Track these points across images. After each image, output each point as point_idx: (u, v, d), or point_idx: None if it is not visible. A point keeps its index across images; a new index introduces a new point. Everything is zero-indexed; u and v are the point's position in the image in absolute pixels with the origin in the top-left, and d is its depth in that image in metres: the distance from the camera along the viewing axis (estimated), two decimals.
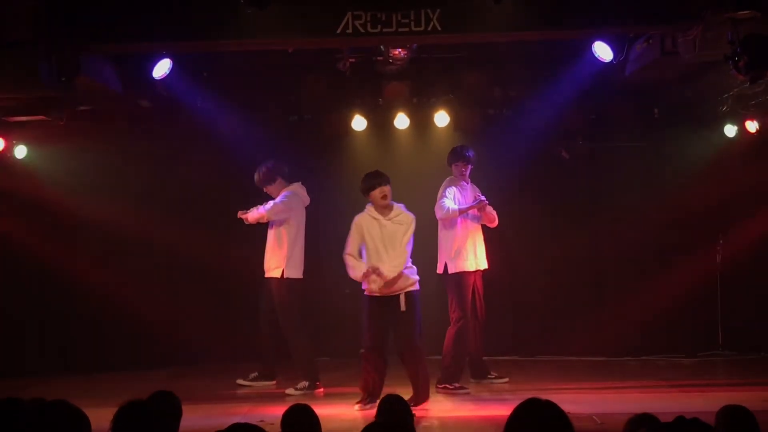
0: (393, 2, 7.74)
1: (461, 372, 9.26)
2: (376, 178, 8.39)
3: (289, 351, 9.37)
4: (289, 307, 9.36)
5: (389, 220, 8.37)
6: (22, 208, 10.87)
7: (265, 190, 9.53)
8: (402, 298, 8.40)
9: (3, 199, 10.84)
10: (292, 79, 10.57)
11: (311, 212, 9.65)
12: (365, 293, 8.52)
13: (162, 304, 10.48)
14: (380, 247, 8.35)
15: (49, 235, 10.93)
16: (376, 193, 8.34)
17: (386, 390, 7.67)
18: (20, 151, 10.71)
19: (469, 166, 9.40)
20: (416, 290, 8.45)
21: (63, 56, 7.91)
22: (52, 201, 10.82)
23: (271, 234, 9.46)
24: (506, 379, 9.54)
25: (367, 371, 8.43)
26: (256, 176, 9.54)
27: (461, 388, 9.13)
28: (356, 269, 8.38)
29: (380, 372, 8.44)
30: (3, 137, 10.40)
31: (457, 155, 9.42)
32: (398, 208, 8.44)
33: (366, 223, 8.39)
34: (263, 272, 9.47)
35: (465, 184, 9.43)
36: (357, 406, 8.35)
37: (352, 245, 8.43)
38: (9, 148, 10.57)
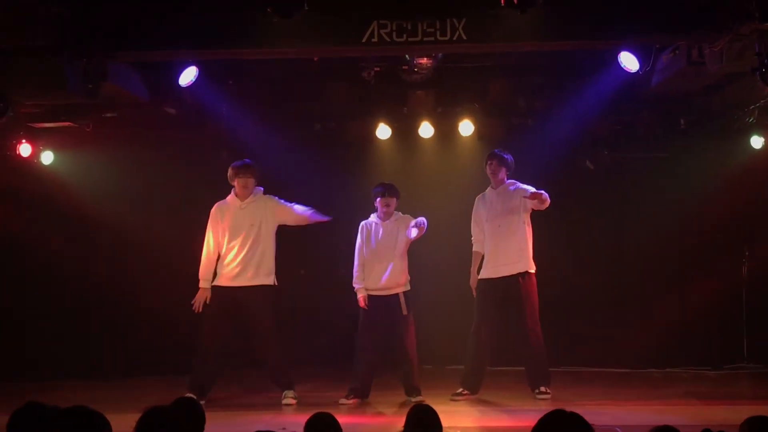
0: (419, 11, 7.75)
1: (473, 379, 9.22)
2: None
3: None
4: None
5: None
6: (48, 213, 10.94)
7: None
8: (401, 298, 8.97)
9: (30, 205, 10.91)
10: (317, 87, 10.60)
11: (334, 221, 9.61)
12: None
13: (186, 310, 10.46)
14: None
15: (74, 240, 10.99)
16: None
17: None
18: (47, 157, 10.79)
19: (496, 165, 9.30)
20: (409, 290, 9.05)
21: (90, 63, 7.96)
22: (78, 207, 10.88)
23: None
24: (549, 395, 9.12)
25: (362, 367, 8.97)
26: (255, 172, 9.32)
27: (461, 394, 9.13)
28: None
29: (373, 368, 9.01)
30: (30, 143, 10.47)
31: (486, 157, 9.43)
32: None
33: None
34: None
35: (493, 189, 9.36)
36: (344, 400, 8.85)
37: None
38: (36, 154, 10.64)
